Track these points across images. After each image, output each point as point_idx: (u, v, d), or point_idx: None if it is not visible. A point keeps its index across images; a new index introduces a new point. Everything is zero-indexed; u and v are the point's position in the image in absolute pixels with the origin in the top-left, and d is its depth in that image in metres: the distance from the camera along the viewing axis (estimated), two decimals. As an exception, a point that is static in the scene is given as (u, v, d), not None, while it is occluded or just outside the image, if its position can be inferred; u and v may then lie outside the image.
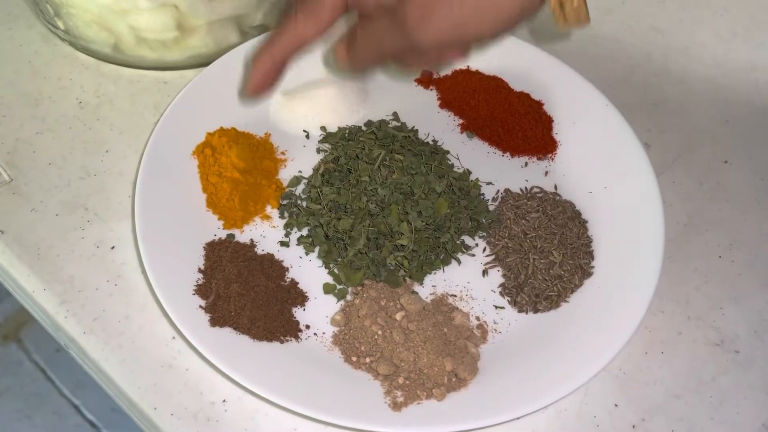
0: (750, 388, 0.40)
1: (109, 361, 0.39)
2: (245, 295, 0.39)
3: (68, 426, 1.18)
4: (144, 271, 0.41)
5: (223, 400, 0.38)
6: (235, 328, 0.38)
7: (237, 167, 0.44)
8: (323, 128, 0.48)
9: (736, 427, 0.39)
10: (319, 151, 0.47)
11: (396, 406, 0.36)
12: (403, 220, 0.42)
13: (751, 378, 0.40)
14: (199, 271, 0.40)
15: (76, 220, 0.44)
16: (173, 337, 0.40)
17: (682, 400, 0.39)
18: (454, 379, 0.37)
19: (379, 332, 0.39)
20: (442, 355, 0.38)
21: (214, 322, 0.38)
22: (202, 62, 0.51)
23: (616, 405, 0.39)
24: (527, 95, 0.50)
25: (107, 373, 0.39)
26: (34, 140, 0.47)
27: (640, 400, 0.39)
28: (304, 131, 0.48)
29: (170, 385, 0.38)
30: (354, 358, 0.38)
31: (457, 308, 0.41)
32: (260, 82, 0.40)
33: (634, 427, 0.38)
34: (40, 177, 0.45)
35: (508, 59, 0.51)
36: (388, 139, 0.46)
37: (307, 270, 0.42)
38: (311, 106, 0.48)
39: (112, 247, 0.43)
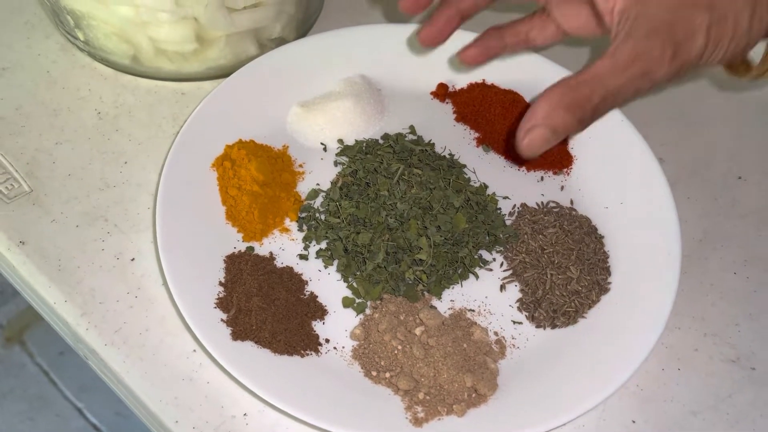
0: (766, 405, 0.40)
1: (130, 373, 0.39)
2: (266, 309, 0.39)
3: (71, 429, 1.18)
4: (164, 284, 0.42)
5: (244, 414, 0.38)
6: (256, 342, 0.38)
7: (256, 180, 0.44)
8: (340, 141, 0.49)
9: (753, 444, 0.39)
10: (336, 164, 0.48)
11: (417, 422, 0.36)
12: (422, 235, 0.42)
13: (766, 394, 0.41)
14: (220, 284, 0.40)
15: (96, 231, 0.44)
16: (194, 350, 0.40)
17: (700, 417, 0.40)
18: (474, 395, 0.38)
19: (399, 347, 0.39)
20: (462, 371, 0.38)
21: (236, 335, 0.38)
22: (221, 74, 0.51)
23: (633, 421, 0.39)
24: None
25: (129, 386, 0.39)
26: (53, 151, 0.47)
27: (657, 417, 0.40)
28: (322, 144, 0.49)
29: (191, 398, 0.38)
30: (374, 373, 0.39)
31: (476, 323, 0.41)
32: (435, 28, 0.41)
33: (652, 443, 0.39)
34: (60, 188, 0.46)
35: (524, 73, 0.51)
36: (406, 152, 0.47)
37: (326, 283, 0.42)
38: (328, 119, 0.48)
39: (132, 259, 0.43)
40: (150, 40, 0.48)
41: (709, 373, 0.41)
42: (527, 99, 0.51)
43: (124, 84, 0.51)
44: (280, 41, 0.52)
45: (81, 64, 0.52)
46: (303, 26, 0.54)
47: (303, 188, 0.46)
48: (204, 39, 0.48)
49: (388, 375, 0.39)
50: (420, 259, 0.42)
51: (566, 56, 0.54)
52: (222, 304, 0.39)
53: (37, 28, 0.54)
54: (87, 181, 0.46)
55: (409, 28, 0.52)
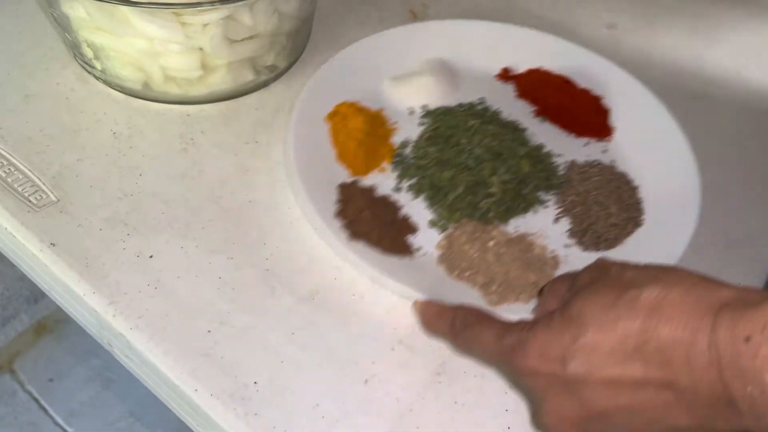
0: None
1: (153, 352, 0.45)
2: (373, 220, 0.50)
3: (62, 454, 1.21)
4: (179, 277, 0.48)
5: (255, 382, 0.44)
6: (367, 242, 0.49)
7: (362, 129, 0.55)
8: (424, 106, 0.60)
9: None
10: (420, 124, 0.59)
11: (492, 304, 0.47)
12: (494, 174, 0.53)
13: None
14: (337, 202, 0.51)
15: (117, 234, 0.50)
16: (208, 331, 0.46)
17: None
18: (535, 289, 0.47)
19: (476, 254, 0.49)
20: (526, 271, 0.48)
21: (352, 236, 0.48)
22: (221, 98, 0.58)
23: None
24: (589, 90, 0.62)
25: (153, 363, 0.45)
26: (76, 166, 0.54)
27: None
28: (408, 108, 0.60)
29: (208, 370, 0.44)
30: (456, 272, 0.49)
31: (535, 242, 0.51)
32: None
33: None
34: (83, 198, 0.52)
35: (575, 63, 0.63)
36: (478, 115, 0.57)
37: (416, 210, 0.53)
38: (413, 90, 0.60)
39: (151, 257, 0.49)
40: (161, 68, 0.55)
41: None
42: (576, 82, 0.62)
43: (135, 107, 0.58)
44: (273, 68, 0.59)
45: (96, 91, 0.59)
46: (293, 54, 0.61)
47: (395, 140, 0.57)
48: (208, 66, 0.55)
49: (467, 273, 0.48)
50: (491, 193, 0.52)
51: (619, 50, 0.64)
52: (339, 214, 0.50)
53: (54, 60, 0.61)
54: (107, 191, 0.52)
55: (481, 25, 0.64)
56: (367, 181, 0.54)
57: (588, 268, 0.37)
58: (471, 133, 0.55)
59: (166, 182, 0.53)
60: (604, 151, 0.59)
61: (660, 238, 0.51)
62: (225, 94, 0.58)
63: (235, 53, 0.55)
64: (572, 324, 0.33)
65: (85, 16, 0.52)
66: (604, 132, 0.60)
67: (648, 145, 0.57)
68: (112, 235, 0.50)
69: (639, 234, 0.52)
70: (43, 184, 0.52)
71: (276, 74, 0.60)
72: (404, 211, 0.53)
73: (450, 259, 0.49)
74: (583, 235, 0.52)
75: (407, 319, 0.47)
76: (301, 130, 0.53)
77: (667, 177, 0.55)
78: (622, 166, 0.57)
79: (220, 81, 0.56)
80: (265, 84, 0.60)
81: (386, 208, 0.52)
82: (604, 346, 0.32)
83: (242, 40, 0.55)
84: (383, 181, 0.55)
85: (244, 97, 0.60)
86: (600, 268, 0.36)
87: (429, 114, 0.59)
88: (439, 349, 0.46)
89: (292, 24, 0.58)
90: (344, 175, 0.54)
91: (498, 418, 0.44)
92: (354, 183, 0.53)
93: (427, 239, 0.51)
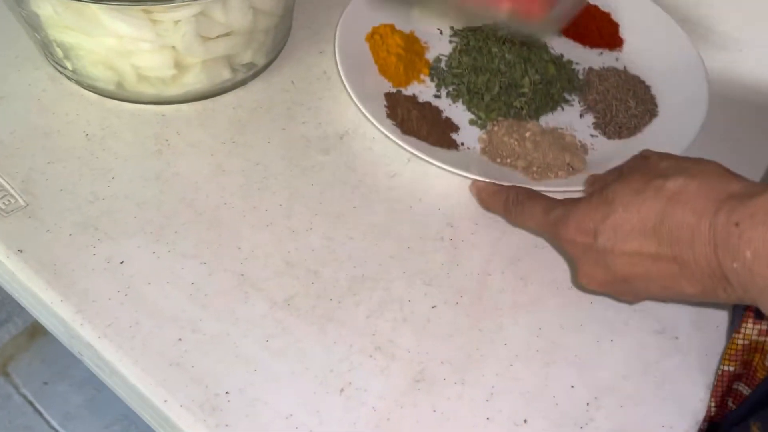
0: (688, 369, 0.46)
1: (122, 362, 0.43)
2: (421, 119, 0.56)
3: (57, 457, 1.20)
4: (150, 283, 0.46)
5: (226, 392, 0.42)
6: (417, 137, 0.54)
7: (400, 45, 0.60)
8: (452, 27, 0.65)
9: (676, 401, 0.44)
10: (451, 42, 0.65)
11: (533, 180, 0.53)
12: (525, 76, 0.59)
13: (688, 360, 0.46)
14: (385, 107, 0.56)
15: (87, 239, 0.48)
16: (179, 339, 0.44)
17: (630, 380, 0.45)
18: (570, 168, 0.54)
19: (516, 143, 0.55)
20: (562, 152, 0.54)
21: (404, 131, 0.54)
22: (197, 97, 0.56)
23: (572, 386, 0.44)
24: (598, 6, 0.68)
25: (121, 373, 0.43)
26: (46, 169, 0.52)
27: (593, 381, 0.45)
28: (438, 29, 0.65)
29: (178, 380, 0.43)
30: (498, 160, 0.55)
31: (566, 134, 0.58)
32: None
33: (588, 404, 0.44)
34: (53, 202, 0.50)
35: None
36: (503, 30, 0.62)
37: (456, 113, 0.59)
38: (441, 14, 0.65)
39: (121, 262, 0.48)
40: (133, 68, 0.53)
41: (638, 344, 0.47)
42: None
43: (109, 108, 0.56)
44: (251, 66, 0.58)
45: (69, 92, 0.57)
46: (272, 52, 0.60)
47: (429, 56, 0.63)
48: (182, 65, 0.54)
49: (509, 160, 0.55)
50: (523, 92, 0.58)
51: None
52: (391, 115, 0.55)
53: (26, 61, 0.59)
54: (78, 195, 0.51)
55: None
56: (408, 91, 0.60)
57: (632, 158, 0.44)
58: (501, 42, 0.61)
59: (140, 185, 0.52)
60: (617, 59, 0.66)
61: (673, 128, 0.58)
62: (201, 93, 0.56)
63: (209, 51, 0.53)
64: (606, 204, 0.39)
65: (53, 15, 0.51)
66: (614, 42, 0.67)
67: (656, 50, 0.65)
68: (82, 240, 0.48)
69: (656, 122, 0.60)
70: (12, 188, 0.51)
71: (254, 72, 0.59)
72: (446, 114, 0.59)
73: (492, 150, 0.56)
74: (607, 125, 0.59)
75: (386, 325, 0.46)
76: (345, 55, 0.58)
77: (674, 75, 0.62)
78: (634, 70, 0.64)
79: (194, 80, 0.55)
80: (243, 82, 0.58)
81: (430, 110, 0.58)
82: (628, 225, 0.38)
83: (216, 37, 0.53)
84: (423, 90, 0.61)
85: (221, 96, 0.58)
86: (642, 158, 0.42)
87: (458, 33, 0.65)
88: (418, 355, 0.45)
89: (270, 20, 0.56)
90: (387, 87, 0.59)
91: (478, 427, 0.42)
92: (398, 92, 0.59)
93: (469, 136, 0.57)
